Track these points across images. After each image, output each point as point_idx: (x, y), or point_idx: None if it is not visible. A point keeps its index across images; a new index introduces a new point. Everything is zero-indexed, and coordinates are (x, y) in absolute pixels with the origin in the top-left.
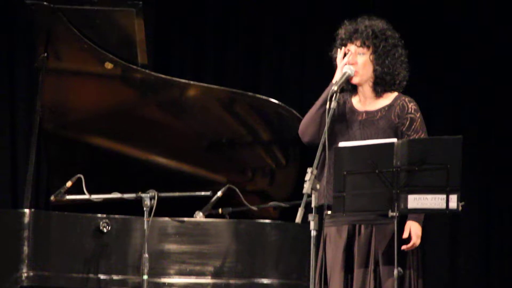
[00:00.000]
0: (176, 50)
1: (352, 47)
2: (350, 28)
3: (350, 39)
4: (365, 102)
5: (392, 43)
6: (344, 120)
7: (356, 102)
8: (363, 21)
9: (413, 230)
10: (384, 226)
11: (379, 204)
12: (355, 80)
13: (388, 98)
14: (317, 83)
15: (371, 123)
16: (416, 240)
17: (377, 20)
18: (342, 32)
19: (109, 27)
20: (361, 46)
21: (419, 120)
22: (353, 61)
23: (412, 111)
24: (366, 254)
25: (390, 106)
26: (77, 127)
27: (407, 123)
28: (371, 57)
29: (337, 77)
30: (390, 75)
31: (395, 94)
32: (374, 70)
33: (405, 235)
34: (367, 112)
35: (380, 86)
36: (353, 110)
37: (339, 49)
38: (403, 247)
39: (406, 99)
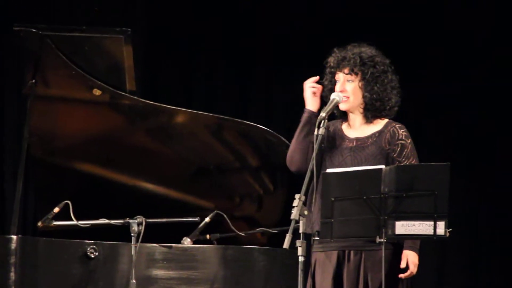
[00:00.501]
0: (164, 77)
1: (341, 75)
2: (339, 56)
3: (338, 66)
4: (355, 128)
5: (381, 69)
6: (334, 146)
7: (346, 128)
8: (352, 49)
9: (410, 259)
10: (373, 252)
11: (367, 230)
12: (344, 107)
13: (379, 124)
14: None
15: (362, 149)
16: (413, 269)
17: (367, 47)
18: (331, 60)
19: (97, 53)
20: (349, 73)
21: (409, 146)
22: (341, 89)
23: (403, 137)
24: (356, 280)
25: (380, 133)
26: (65, 153)
27: (398, 149)
28: (360, 84)
29: (309, 103)
30: (380, 101)
31: (386, 120)
32: (364, 97)
33: (403, 264)
34: (357, 139)
35: (370, 112)
36: (343, 137)
37: (325, 78)
38: (401, 275)
39: (397, 126)
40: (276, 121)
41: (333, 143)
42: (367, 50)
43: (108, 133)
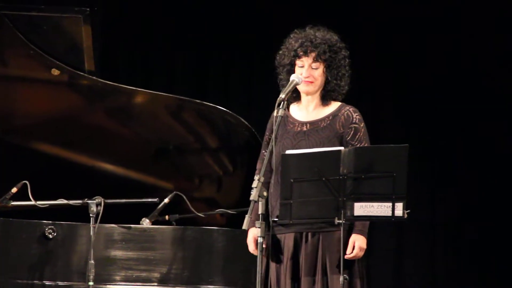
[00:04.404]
0: (124, 57)
1: (305, 61)
2: (303, 40)
3: (305, 53)
4: (308, 112)
5: (342, 55)
6: (284, 130)
7: (296, 112)
8: (315, 33)
9: (357, 243)
10: (331, 234)
11: (326, 212)
12: (306, 89)
13: (331, 106)
14: (265, 91)
15: (316, 132)
16: (358, 252)
17: (329, 32)
18: (294, 43)
19: (56, 33)
20: (315, 60)
21: (362, 130)
22: (307, 75)
23: (357, 121)
24: (314, 262)
25: (334, 116)
26: (23, 133)
27: (351, 132)
28: (323, 69)
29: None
30: (340, 86)
31: (339, 103)
32: (327, 82)
33: (349, 249)
34: (310, 122)
35: (328, 95)
36: (292, 121)
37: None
38: (346, 256)
39: (351, 109)
40: (234, 103)
41: (282, 127)
42: (332, 37)
43: (67, 113)
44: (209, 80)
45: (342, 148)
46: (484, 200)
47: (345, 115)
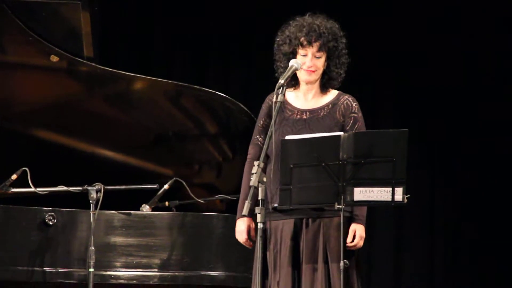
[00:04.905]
0: (123, 44)
1: (309, 51)
2: (308, 30)
3: (309, 42)
4: (307, 99)
5: (342, 45)
6: (282, 117)
7: (294, 99)
8: (317, 22)
9: (358, 232)
10: (330, 219)
11: (326, 197)
12: (309, 78)
13: (330, 95)
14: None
15: (317, 121)
16: (359, 241)
17: (329, 20)
18: (298, 32)
19: (55, 20)
20: (319, 50)
21: (361, 119)
22: (310, 65)
23: (356, 110)
24: (315, 248)
25: (334, 104)
26: (23, 120)
27: (351, 121)
28: (325, 58)
29: None
30: (339, 74)
31: (336, 91)
32: (329, 71)
33: (349, 239)
34: (310, 111)
35: (328, 84)
36: (291, 108)
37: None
38: (348, 244)
39: (350, 98)
40: (233, 90)
41: (280, 114)
42: (333, 25)
43: (66, 99)
44: (208, 65)
45: (341, 133)
46: (484, 199)
47: (345, 104)
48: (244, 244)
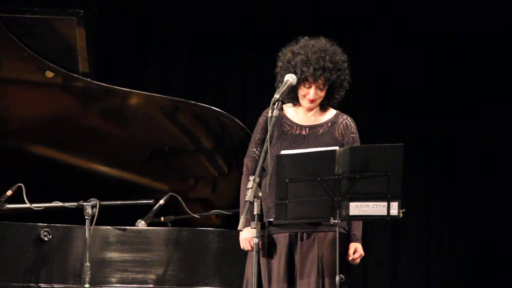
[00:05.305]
0: (118, 59)
1: (313, 84)
2: (315, 67)
3: (314, 78)
4: (306, 116)
5: (345, 72)
6: (281, 132)
7: (293, 114)
8: (322, 54)
9: (358, 250)
10: (325, 234)
11: (321, 212)
12: (310, 106)
13: (328, 113)
14: (258, 93)
15: (316, 138)
16: (358, 258)
17: (332, 44)
18: (303, 66)
19: (50, 35)
20: (324, 84)
21: (358, 140)
22: (314, 98)
23: (354, 131)
24: (309, 263)
25: (333, 123)
26: (18, 135)
27: (350, 141)
28: (327, 87)
29: None
30: (340, 96)
31: (334, 110)
32: (331, 97)
33: (351, 252)
34: (309, 127)
35: (329, 104)
36: (290, 123)
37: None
38: (350, 259)
39: (348, 118)
40: (230, 104)
41: (278, 128)
42: (337, 53)
43: (61, 115)
44: (204, 81)
45: (336, 148)
46: (482, 205)
47: (344, 124)
48: (249, 250)
